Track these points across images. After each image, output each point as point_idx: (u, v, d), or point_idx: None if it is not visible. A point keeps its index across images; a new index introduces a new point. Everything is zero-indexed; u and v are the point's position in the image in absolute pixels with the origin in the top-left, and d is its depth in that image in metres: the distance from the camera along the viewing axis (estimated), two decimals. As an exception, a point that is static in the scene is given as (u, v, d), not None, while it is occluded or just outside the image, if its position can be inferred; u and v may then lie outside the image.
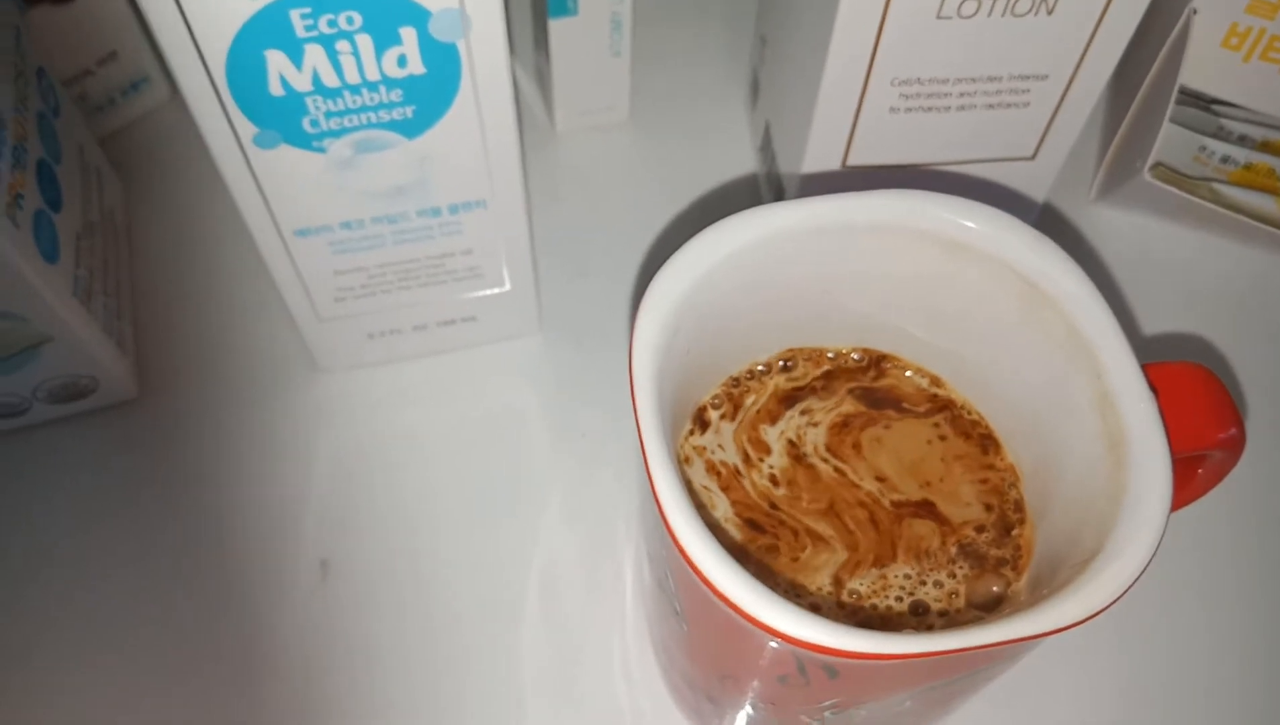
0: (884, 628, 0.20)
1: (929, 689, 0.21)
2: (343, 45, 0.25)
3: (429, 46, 0.25)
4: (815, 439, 0.26)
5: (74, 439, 0.34)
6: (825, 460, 0.25)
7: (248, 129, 0.26)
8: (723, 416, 0.26)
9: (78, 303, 0.31)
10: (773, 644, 0.19)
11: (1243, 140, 0.39)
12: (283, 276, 0.31)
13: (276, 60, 0.24)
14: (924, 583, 0.24)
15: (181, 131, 0.41)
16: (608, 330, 0.37)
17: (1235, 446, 0.22)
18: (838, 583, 0.24)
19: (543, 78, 0.41)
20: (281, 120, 0.26)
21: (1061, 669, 0.31)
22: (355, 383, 0.36)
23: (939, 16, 0.29)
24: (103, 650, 0.31)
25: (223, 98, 0.25)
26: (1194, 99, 0.39)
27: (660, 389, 0.21)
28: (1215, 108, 0.39)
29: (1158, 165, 0.37)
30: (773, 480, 0.25)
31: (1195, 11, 0.36)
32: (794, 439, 0.26)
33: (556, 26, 0.37)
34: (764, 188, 0.40)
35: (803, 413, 0.26)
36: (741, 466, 0.25)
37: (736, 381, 0.27)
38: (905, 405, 0.26)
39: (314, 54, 0.25)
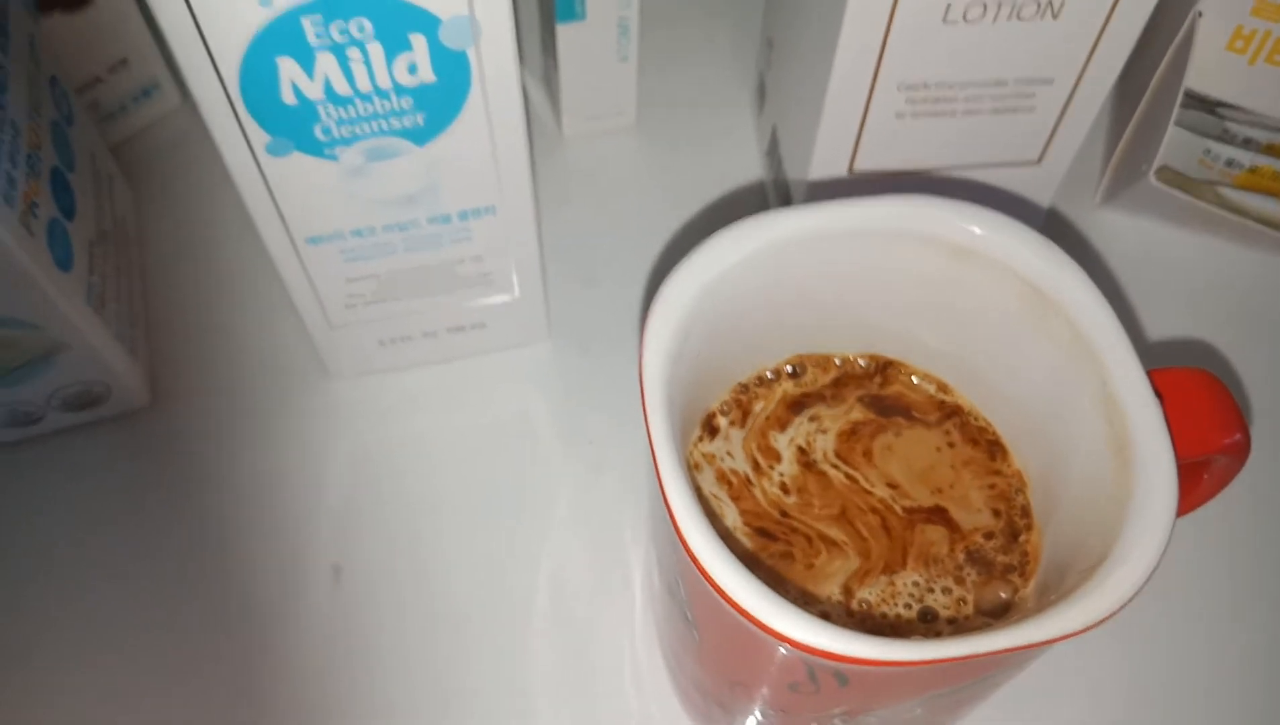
0: (893, 635, 0.20)
1: (938, 695, 0.22)
2: (354, 53, 0.25)
3: (439, 54, 0.25)
4: (825, 446, 0.26)
5: (87, 446, 0.35)
6: (836, 467, 0.26)
7: (260, 137, 0.26)
8: (731, 423, 0.26)
9: (91, 311, 0.32)
10: (784, 651, 0.19)
11: (1248, 143, 0.39)
12: (294, 283, 0.31)
13: (289, 69, 0.25)
14: (932, 590, 0.24)
15: (191, 138, 0.42)
16: (615, 336, 0.37)
17: (1240, 451, 0.22)
18: (847, 591, 0.24)
19: (550, 83, 0.42)
20: (294, 128, 0.26)
21: (1068, 674, 0.31)
22: (365, 389, 0.36)
23: (945, 21, 0.29)
24: (112, 655, 0.31)
25: (236, 106, 0.25)
26: (1199, 102, 0.39)
27: (670, 395, 0.22)
28: (1220, 111, 0.39)
29: (1163, 169, 0.37)
30: (783, 488, 0.25)
31: (1200, 15, 0.36)
32: (804, 446, 0.26)
33: (564, 32, 0.38)
34: (770, 192, 0.40)
35: (811, 419, 0.26)
36: (752, 475, 0.25)
37: (745, 388, 0.27)
38: (915, 413, 0.26)
39: (326, 62, 0.25)
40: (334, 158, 0.27)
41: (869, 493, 0.25)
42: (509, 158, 0.29)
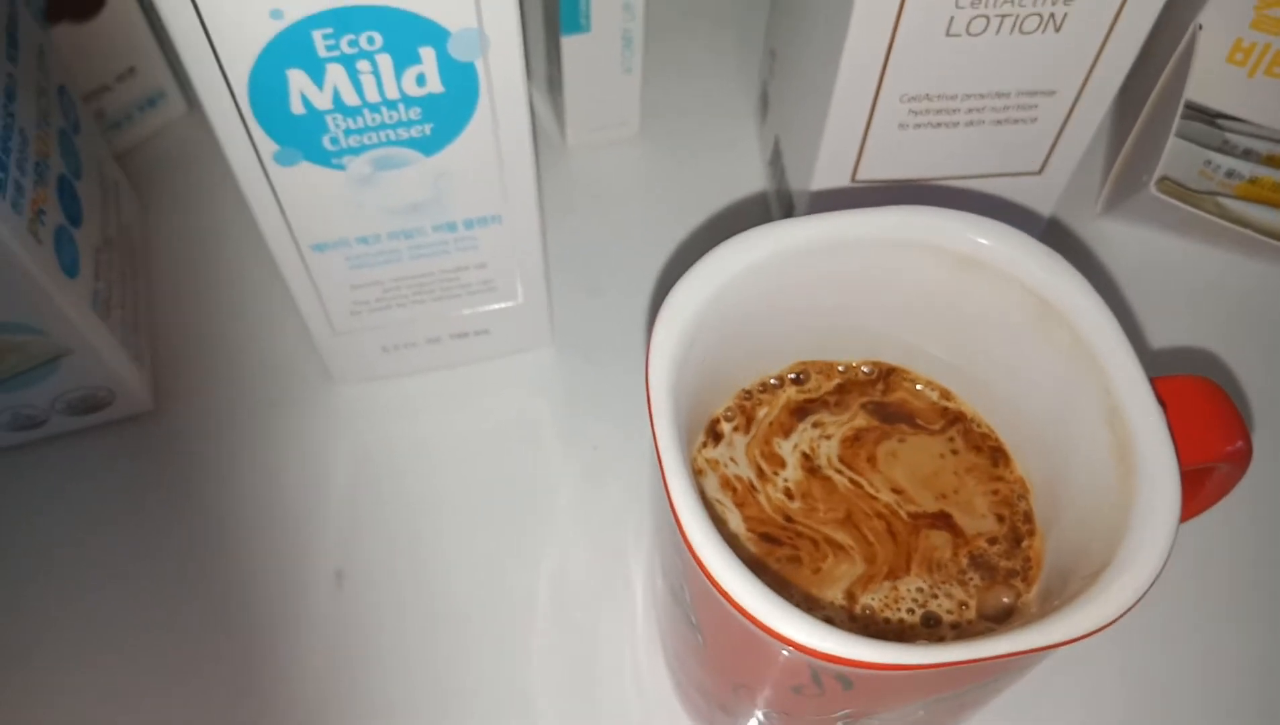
0: (896, 639, 0.20)
1: (940, 699, 0.22)
2: (363, 65, 0.25)
3: (448, 66, 0.26)
4: (829, 451, 0.26)
5: (91, 450, 0.35)
6: (840, 472, 0.26)
7: (269, 146, 0.26)
8: (735, 428, 0.26)
9: (96, 317, 0.32)
10: (789, 654, 0.19)
11: (1248, 154, 0.39)
12: (299, 290, 0.31)
13: (298, 79, 0.25)
14: (935, 595, 0.24)
15: (197, 146, 0.42)
16: (618, 343, 0.37)
17: (1242, 459, 0.22)
18: (850, 597, 0.24)
19: (555, 93, 0.42)
20: (302, 138, 0.26)
21: (1069, 678, 0.31)
22: (369, 395, 0.36)
23: (948, 34, 0.30)
24: (114, 656, 0.31)
25: (245, 116, 0.25)
26: (1199, 114, 0.39)
27: (676, 401, 0.22)
28: (1220, 122, 0.39)
29: (1163, 179, 0.38)
30: (787, 493, 0.25)
31: (1201, 27, 0.37)
32: (808, 452, 0.26)
33: (569, 43, 0.38)
34: (773, 202, 0.40)
35: (815, 425, 0.27)
36: (756, 481, 0.26)
37: (749, 394, 0.27)
38: (918, 420, 0.27)
39: (335, 73, 0.25)
40: (341, 167, 0.27)
41: (874, 498, 0.25)
42: (515, 167, 0.29)
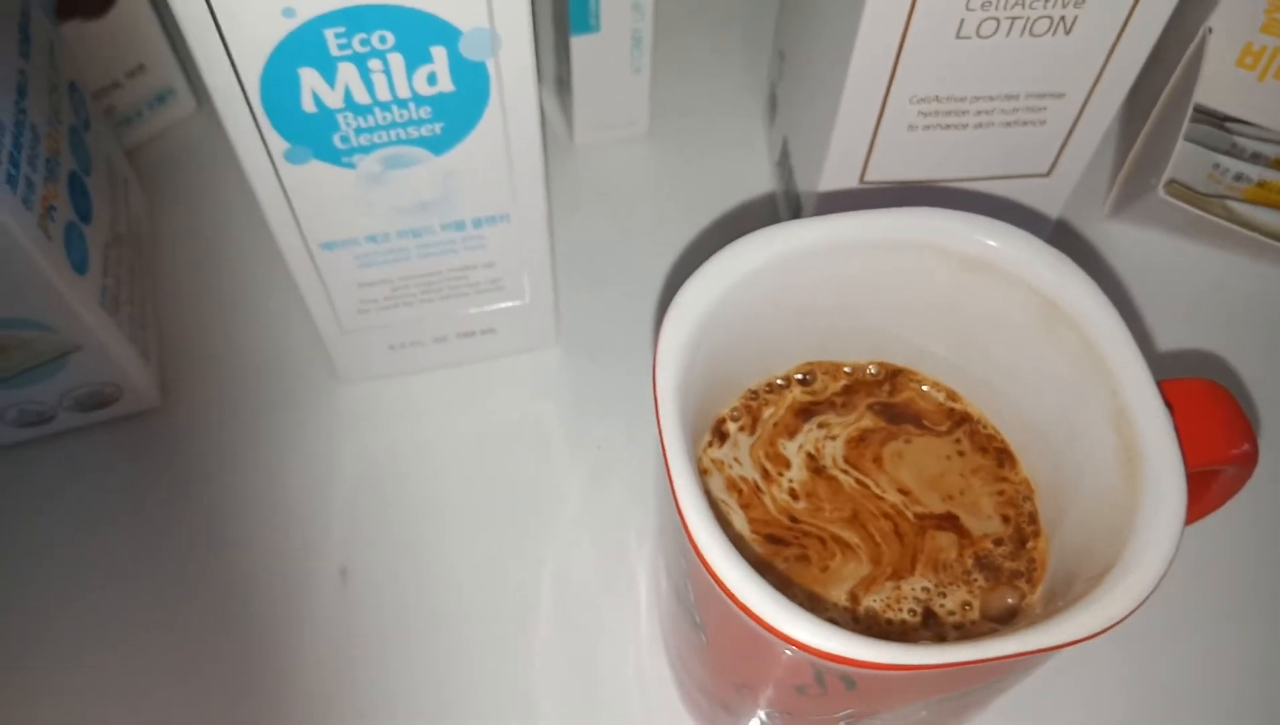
0: (900, 640, 0.20)
1: (943, 700, 0.22)
2: (375, 63, 0.25)
3: (459, 65, 0.26)
4: (834, 452, 0.26)
5: (98, 447, 0.35)
6: (846, 472, 0.26)
7: (279, 144, 0.26)
8: (741, 428, 0.26)
9: (105, 313, 0.32)
10: (792, 654, 0.19)
11: (1256, 158, 0.39)
12: (308, 288, 0.32)
13: (310, 78, 0.25)
14: (940, 595, 0.24)
15: (206, 143, 0.42)
16: (624, 343, 0.37)
17: (1248, 462, 0.22)
18: (853, 598, 0.24)
19: (564, 93, 0.42)
20: (313, 136, 0.26)
21: (1075, 681, 0.31)
22: (375, 393, 0.36)
23: (958, 36, 0.30)
24: (116, 654, 0.31)
25: (256, 114, 0.26)
26: (1208, 117, 0.39)
27: (682, 401, 0.22)
28: (1229, 125, 0.39)
29: (1172, 182, 0.38)
30: (792, 494, 0.25)
31: (1210, 31, 0.37)
32: (813, 452, 0.26)
33: (578, 43, 0.38)
34: (781, 203, 0.40)
35: (820, 426, 0.27)
36: (761, 482, 0.26)
37: (755, 394, 0.27)
38: (925, 422, 0.27)
39: (347, 72, 0.25)
40: (351, 165, 0.28)
41: (881, 498, 0.25)
42: (524, 167, 0.29)
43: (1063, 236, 0.40)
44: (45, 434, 0.35)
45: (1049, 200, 0.36)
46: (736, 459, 0.26)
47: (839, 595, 0.24)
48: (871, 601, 0.24)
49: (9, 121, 0.28)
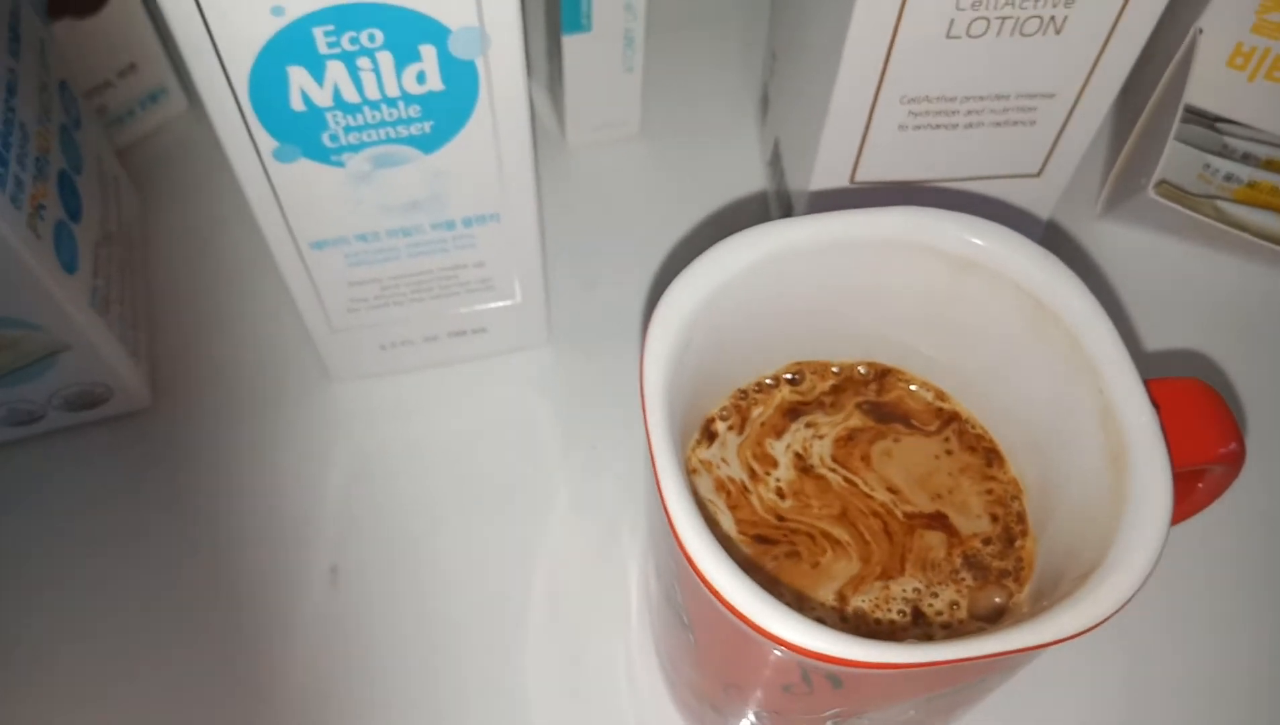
0: (887, 639, 0.20)
1: (931, 698, 0.22)
2: (364, 62, 0.25)
3: (448, 64, 0.26)
4: (821, 451, 0.26)
5: (87, 446, 0.35)
6: (834, 471, 0.26)
7: (268, 143, 0.26)
8: (730, 428, 0.26)
9: (95, 313, 0.32)
10: (778, 653, 0.19)
11: (1246, 158, 0.39)
12: (298, 287, 0.31)
13: (298, 76, 0.25)
14: (928, 594, 0.24)
15: (198, 142, 0.42)
16: (616, 342, 0.37)
17: (1235, 461, 0.22)
18: (841, 598, 0.24)
19: (555, 92, 0.42)
20: (302, 135, 0.26)
21: (1063, 680, 0.31)
22: (366, 393, 0.36)
23: (948, 36, 0.30)
24: (110, 654, 0.31)
25: (245, 112, 0.25)
26: (1199, 117, 0.39)
27: (670, 400, 0.22)
28: (1220, 126, 0.40)
29: (1162, 182, 0.38)
30: (779, 493, 0.26)
31: (1201, 31, 0.37)
32: (800, 452, 0.26)
33: (570, 43, 0.38)
34: (772, 202, 0.40)
35: (808, 426, 0.27)
36: (748, 482, 0.26)
37: (745, 394, 0.27)
38: (913, 421, 0.27)
39: (335, 70, 0.25)
40: (340, 164, 0.28)
41: (870, 497, 0.25)
42: (514, 166, 0.29)
43: (1053, 236, 0.40)
44: (35, 433, 0.34)
45: (1040, 200, 0.36)
46: (724, 459, 0.26)
47: (827, 595, 0.24)
48: (860, 601, 0.24)
49: (-2, 120, 0.28)
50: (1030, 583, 0.24)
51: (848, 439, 0.26)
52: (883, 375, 0.27)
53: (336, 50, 0.25)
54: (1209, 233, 0.38)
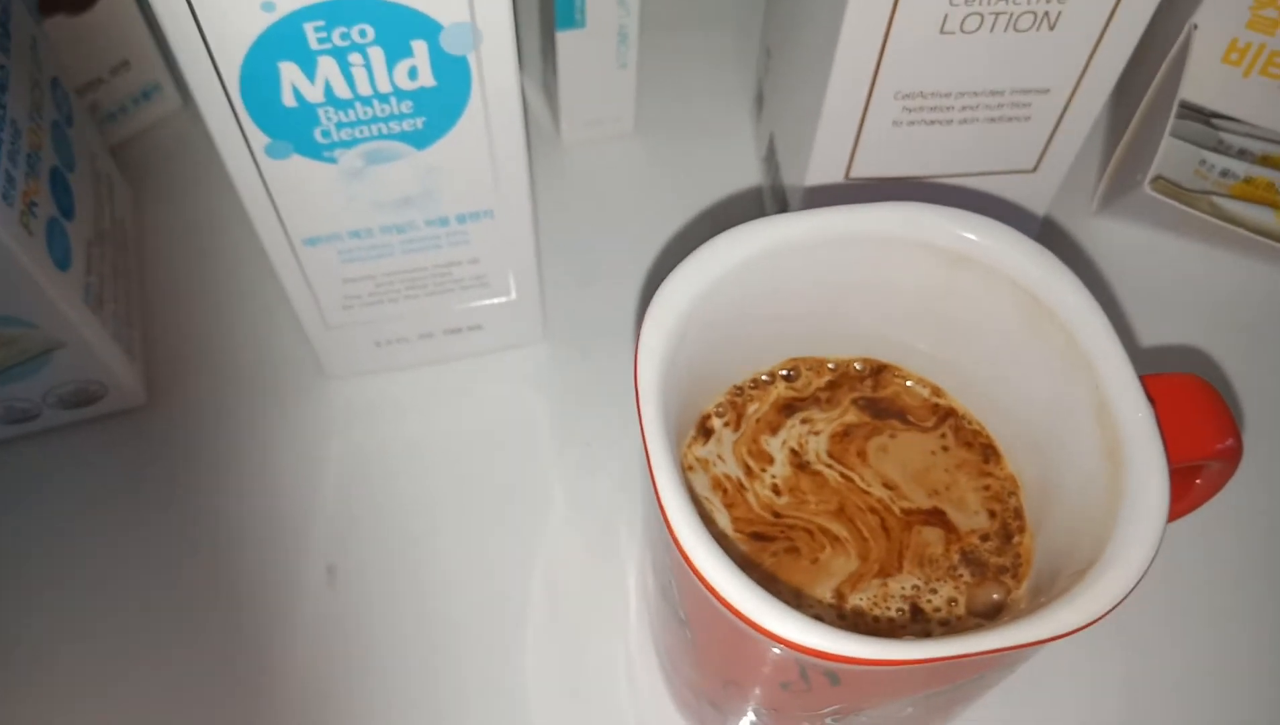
0: (885, 636, 0.20)
1: (930, 695, 0.22)
2: (355, 58, 0.25)
3: (440, 59, 0.26)
4: (817, 447, 0.26)
5: (82, 444, 0.35)
6: (830, 466, 0.26)
7: (260, 139, 0.26)
8: (726, 424, 0.26)
9: (89, 310, 0.32)
10: (776, 650, 0.19)
11: (1243, 154, 0.39)
12: (292, 284, 0.31)
13: (290, 72, 0.25)
14: (927, 590, 0.24)
15: (191, 140, 0.42)
16: (611, 339, 0.37)
17: (1232, 457, 0.22)
18: (839, 596, 0.24)
19: (549, 89, 0.42)
20: (293, 131, 0.26)
21: (1061, 675, 0.31)
22: (361, 390, 0.36)
23: (942, 31, 0.30)
24: (107, 654, 0.31)
25: (236, 109, 0.25)
26: (1194, 113, 0.39)
27: (665, 397, 0.22)
28: (1215, 122, 0.39)
29: (1158, 178, 0.38)
30: (775, 490, 0.25)
31: (1196, 27, 0.37)
32: (796, 448, 0.26)
33: (564, 39, 0.38)
34: (768, 198, 0.40)
35: (803, 422, 0.26)
36: (744, 479, 0.26)
37: (740, 390, 0.27)
38: (910, 417, 0.27)
39: (327, 66, 0.25)
40: (333, 160, 0.27)
41: (867, 492, 0.25)
42: (507, 163, 0.29)
43: (1049, 232, 0.40)
44: (30, 431, 0.34)
45: (1035, 196, 0.36)
46: (720, 457, 0.26)
47: (824, 593, 0.24)
48: (858, 599, 0.24)
49: (-11, 117, 0.28)
50: (1028, 579, 0.24)
51: (844, 435, 0.26)
52: (878, 371, 0.27)
53: (327, 46, 0.24)
54: (1205, 228, 0.38)
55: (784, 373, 0.27)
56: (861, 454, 0.26)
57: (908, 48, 0.30)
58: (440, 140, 0.28)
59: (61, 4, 0.37)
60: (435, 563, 0.33)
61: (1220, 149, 0.39)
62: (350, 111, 0.26)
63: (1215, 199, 0.38)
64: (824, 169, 0.34)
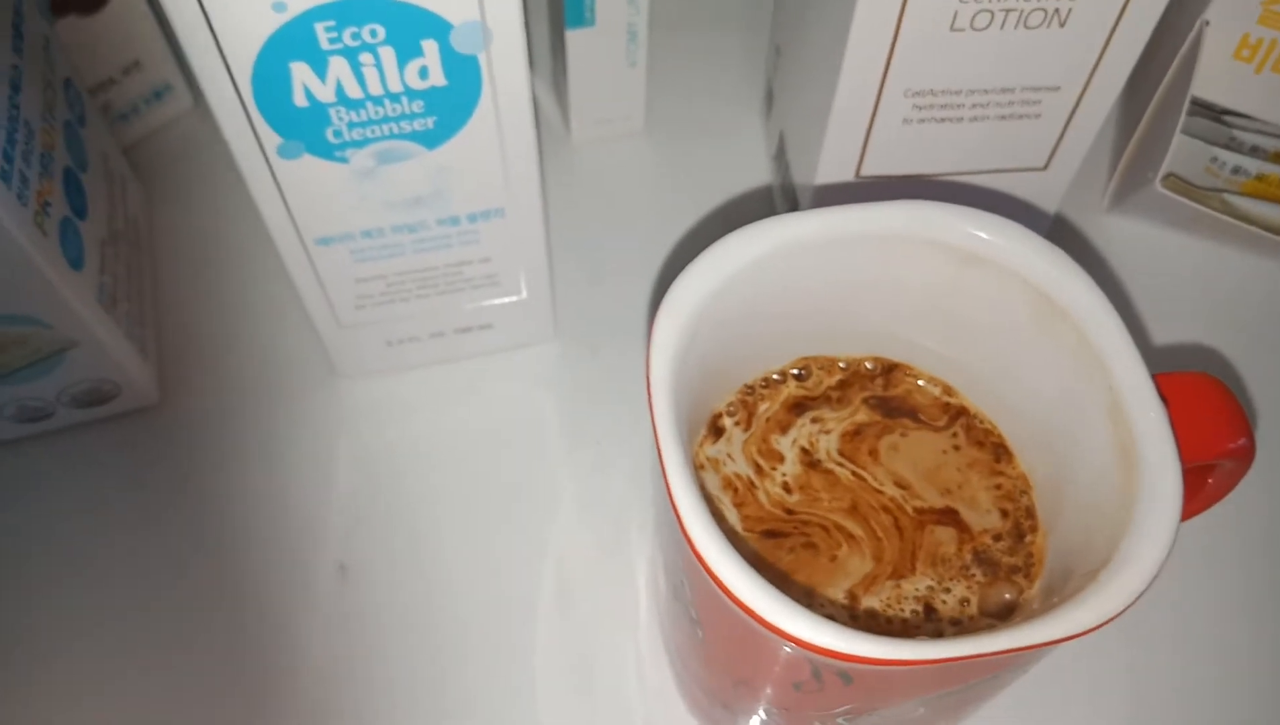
0: (897, 635, 0.20)
1: (942, 696, 0.22)
2: (366, 57, 0.25)
3: (450, 59, 0.26)
4: (828, 445, 0.26)
5: (96, 443, 0.35)
6: (841, 464, 0.26)
7: (272, 139, 0.26)
8: (737, 423, 0.26)
9: (102, 309, 0.32)
10: (789, 650, 0.19)
11: (1254, 151, 0.39)
12: (304, 284, 0.31)
13: (301, 72, 0.25)
14: (940, 590, 0.24)
15: (203, 140, 0.42)
16: (621, 338, 0.37)
17: (1245, 456, 0.22)
18: (852, 597, 0.24)
19: (559, 87, 0.42)
20: (305, 131, 0.26)
21: (1072, 676, 0.31)
22: (372, 389, 0.36)
23: (953, 29, 0.30)
24: (119, 652, 0.31)
25: (248, 109, 0.25)
26: (1206, 110, 0.39)
27: (677, 395, 0.22)
28: (1227, 119, 0.39)
29: (1169, 176, 0.37)
30: (785, 488, 0.25)
31: (1207, 23, 0.37)
32: (806, 447, 0.26)
33: (574, 37, 0.38)
34: (778, 196, 0.40)
35: (814, 420, 0.26)
36: (754, 477, 0.26)
37: (751, 389, 0.27)
38: (921, 416, 0.27)
39: (338, 66, 0.25)
40: (344, 160, 0.28)
41: (879, 491, 0.25)
42: (518, 161, 0.29)
43: (1060, 230, 0.40)
44: (44, 431, 0.34)
45: (1046, 194, 0.36)
46: (730, 456, 0.26)
47: (838, 594, 0.24)
48: (871, 601, 0.24)
49: (2, 117, 0.28)
50: (1040, 578, 0.24)
51: (854, 434, 0.26)
52: (889, 370, 0.27)
53: (339, 46, 0.25)
54: (1216, 226, 0.38)
55: (795, 372, 0.27)
56: (873, 453, 0.26)
57: (918, 45, 0.30)
58: (451, 139, 0.28)
59: (73, 5, 0.37)
60: (446, 561, 0.33)
61: (1232, 146, 0.39)
62: (361, 111, 0.26)
63: (1227, 196, 0.38)
64: (834, 167, 0.34)
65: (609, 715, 0.30)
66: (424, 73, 0.26)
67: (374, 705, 0.31)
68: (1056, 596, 0.21)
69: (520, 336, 0.36)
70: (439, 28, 0.25)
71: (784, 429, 0.26)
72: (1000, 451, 0.26)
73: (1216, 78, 0.38)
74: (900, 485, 0.25)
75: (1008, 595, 0.24)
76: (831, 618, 0.23)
